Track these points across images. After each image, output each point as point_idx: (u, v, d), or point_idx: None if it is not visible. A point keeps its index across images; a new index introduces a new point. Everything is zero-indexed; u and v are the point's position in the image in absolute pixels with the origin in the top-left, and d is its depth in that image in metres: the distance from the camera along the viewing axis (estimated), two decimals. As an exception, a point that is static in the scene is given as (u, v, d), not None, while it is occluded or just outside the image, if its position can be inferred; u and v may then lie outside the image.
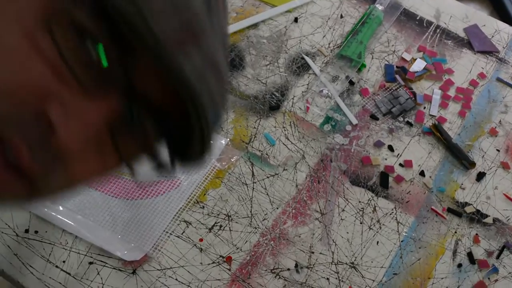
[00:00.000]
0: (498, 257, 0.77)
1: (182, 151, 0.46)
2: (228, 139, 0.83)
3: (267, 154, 0.82)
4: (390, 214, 0.79)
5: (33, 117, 0.37)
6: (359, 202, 0.80)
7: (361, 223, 0.78)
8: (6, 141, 0.37)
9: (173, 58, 0.38)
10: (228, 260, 0.74)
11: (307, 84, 0.89)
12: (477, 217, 0.80)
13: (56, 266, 0.71)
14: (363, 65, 0.92)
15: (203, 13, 0.42)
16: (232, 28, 0.93)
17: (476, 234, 0.79)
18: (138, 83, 0.40)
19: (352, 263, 0.75)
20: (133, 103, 0.41)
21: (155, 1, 0.38)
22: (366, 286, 0.74)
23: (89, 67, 0.39)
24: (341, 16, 0.97)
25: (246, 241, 0.75)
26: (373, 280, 0.74)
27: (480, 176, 0.83)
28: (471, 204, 0.81)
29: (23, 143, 0.37)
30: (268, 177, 0.80)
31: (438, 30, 0.97)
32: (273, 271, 0.74)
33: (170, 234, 0.75)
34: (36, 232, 0.73)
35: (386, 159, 0.84)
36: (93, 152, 0.41)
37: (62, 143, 0.37)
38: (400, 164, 0.83)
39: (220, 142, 0.84)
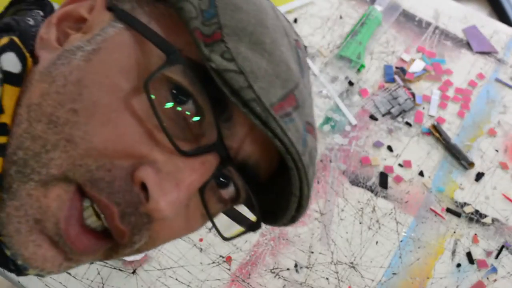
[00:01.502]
0: (497, 257, 0.77)
1: (276, 212, 0.44)
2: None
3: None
4: (389, 214, 0.79)
5: (127, 182, 0.36)
6: (358, 202, 0.80)
7: (360, 223, 0.78)
8: (99, 204, 0.36)
9: (279, 124, 0.37)
10: (228, 260, 0.74)
11: (307, 85, 0.89)
12: (476, 217, 0.80)
13: (57, 266, 0.71)
14: (362, 66, 0.92)
15: (300, 77, 0.41)
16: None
17: (475, 234, 0.79)
18: (233, 145, 0.39)
19: (352, 263, 0.75)
20: (226, 164, 0.39)
21: (259, 67, 0.37)
22: (365, 286, 0.74)
23: (184, 129, 0.38)
24: (341, 17, 0.97)
25: (246, 241, 0.75)
26: (372, 280, 0.74)
27: (479, 176, 0.84)
28: (470, 204, 0.81)
29: (115, 207, 0.36)
30: (267, 177, 0.81)
31: (437, 31, 0.98)
32: (272, 271, 0.74)
33: (170, 234, 0.75)
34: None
35: (385, 159, 0.84)
36: (181, 214, 0.39)
37: (155, 208, 0.36)
38: (399, 164, 0.84)
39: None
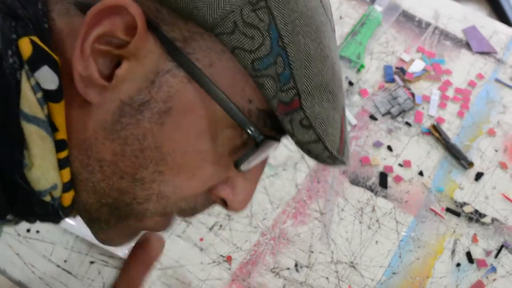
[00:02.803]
0: (496, 256, 0.77)
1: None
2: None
3: (267, 154, 0.83)
4: (389, 214, 0.80)
5: (207, 201, 0.45)
6: (358, 201, 0.80)
7: (360, 222, 0.79)
8: (184, 218, 0.48)
9: (343, 162, 0.44)
10: (228, 259, 0.74)
11: (307, 85, 0.89)
12: (476, 217, 0.80)
13: (58, 266, 0.72)
14: (362, 66, 0.93)
15: (343, 81, 0.47)
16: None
17: (475, 233, 0.79)
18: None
19: (352, 262, 0.76)
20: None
21: (329, 119, 0.41)
22: (365, 285, 0.74)
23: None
24: (340, 17, 0.97)
25: (246, 241, 0.76)
26: (372, 280, 0.75)
27: (479, 176, 0.84)
28: (470, 204, 0.81)
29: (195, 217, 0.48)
30: (268, 177, 0.81)
31: (436, 31, 0.98)
32: (273, 270, 0.74)
33: (171, 233, 0.75)
34: (37, 231, 0.74)
35: (385, 159, 0.84)
36: None
37: (235, 211, 0.45)
38: (399, 164, 0.84)
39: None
